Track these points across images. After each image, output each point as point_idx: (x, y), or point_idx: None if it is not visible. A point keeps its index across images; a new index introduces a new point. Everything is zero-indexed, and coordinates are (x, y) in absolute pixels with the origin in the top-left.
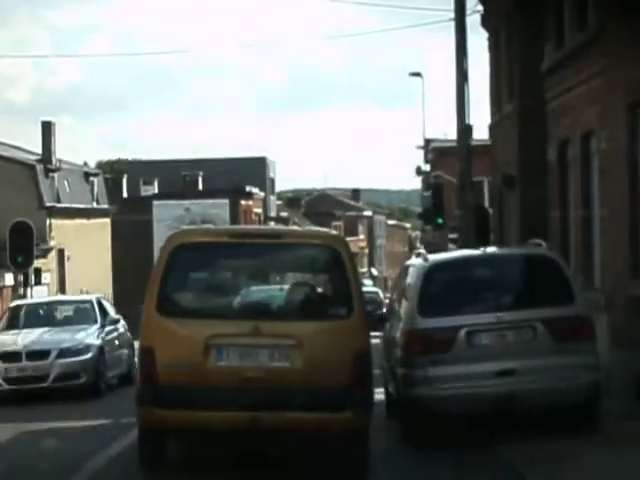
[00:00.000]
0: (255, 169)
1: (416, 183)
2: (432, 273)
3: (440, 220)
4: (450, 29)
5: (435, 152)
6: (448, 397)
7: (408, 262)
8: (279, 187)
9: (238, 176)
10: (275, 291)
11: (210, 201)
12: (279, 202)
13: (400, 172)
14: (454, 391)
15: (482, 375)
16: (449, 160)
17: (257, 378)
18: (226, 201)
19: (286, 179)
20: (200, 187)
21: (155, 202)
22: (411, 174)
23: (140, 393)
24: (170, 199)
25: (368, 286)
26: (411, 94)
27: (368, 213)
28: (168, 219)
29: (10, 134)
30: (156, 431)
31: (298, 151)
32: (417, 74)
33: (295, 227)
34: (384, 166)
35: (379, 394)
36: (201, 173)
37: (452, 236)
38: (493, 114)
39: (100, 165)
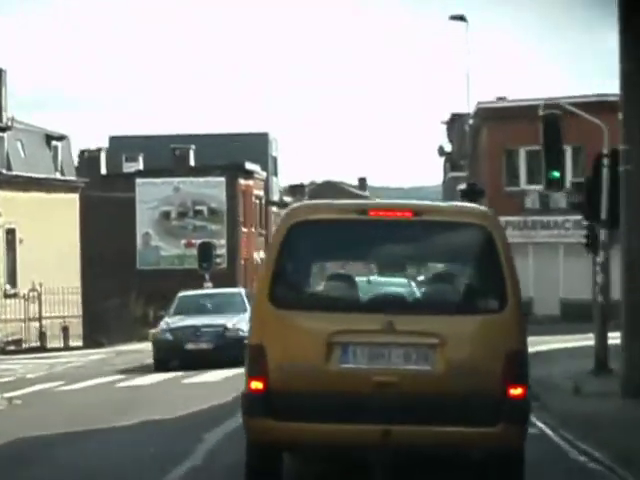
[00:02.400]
0: (256, 146)
1: (435, 178)
2: None
3: (558, 172)
4: None
5: (481, 117)
6: None
7: None
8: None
9: (236, 153)
10: (412, 279)
11: (203, 179)
12: (282, 186)
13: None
14: None
15: None
16: (506, 125)
17: (389, 384)
18: (222, 179)
19: (289, 168)
20: (192, 163)
21: (138, 180)
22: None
23: (248, 400)
24: (156, 177)
25: None
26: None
27: None
28: (153, 200)
29: None
30: (268, 447)
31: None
32: (460, 17)
33: (437, 202)
34: (399, 158)
35: None
36: (193, 147)
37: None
38: None
39: None
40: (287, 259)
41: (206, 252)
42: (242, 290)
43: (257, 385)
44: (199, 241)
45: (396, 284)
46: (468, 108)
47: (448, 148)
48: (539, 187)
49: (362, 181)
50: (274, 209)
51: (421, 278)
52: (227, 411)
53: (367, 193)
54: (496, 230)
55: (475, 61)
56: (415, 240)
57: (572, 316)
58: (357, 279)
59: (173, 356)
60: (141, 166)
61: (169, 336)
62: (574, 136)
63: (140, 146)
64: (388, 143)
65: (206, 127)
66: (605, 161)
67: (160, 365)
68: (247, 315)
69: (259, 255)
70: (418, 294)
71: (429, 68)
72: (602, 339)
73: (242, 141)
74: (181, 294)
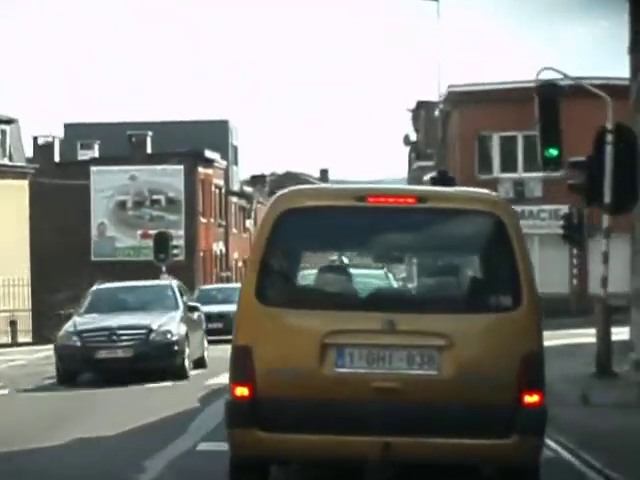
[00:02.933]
0: (216, 134)
1: (399, 169)
2: None
3: (556, 150)
4: None
5: (452, 101)
6: None
7: None
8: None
9: (195, 141)
10: (415, 273)
11: (160, 167)
12: (243, 178)
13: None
14: None
15: None
16: (479, 110)
17: (391, 390)
18: (180, 168)
19: (250, 158)
20: (149, 151)
21: (93, 168)
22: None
23: (232, 409)
24: (112, 164)
25: None
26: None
27: None
28: (109, 189)
29: None
30: (253, 461)
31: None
32: None
33: (443, 187)
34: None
35: None
36: (150, 133)
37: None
38: None
39: None
40: (276, 251)
41: (163, 243)
42: (174, 282)
43: (242, 392)
44: (156, 231)
45: (398, 279)
46: (438, 94)
47: (414, 137)
48: (513, 175)
49: (324, 173)
50: (234, 199)
51: (426, 272)
52: (178, 427)
53: (329, 184)
54: (508, 218)
55: (447, 46)
56: (419, 229)
57: (548, 311)
58: (355, 273)
59: (82, 367)
60: (97, 154)
61: (76, 341)
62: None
63: (96, 133)
64: (352, 133)
65: (166, 115)
66: (609, 137)
67: (65, 378)
68: (179, 314)
69: (218, 246)
70: (423, 290)
71: (398, 54)
72: (605, 338)
73: (201, 129)
74: (95, 287)
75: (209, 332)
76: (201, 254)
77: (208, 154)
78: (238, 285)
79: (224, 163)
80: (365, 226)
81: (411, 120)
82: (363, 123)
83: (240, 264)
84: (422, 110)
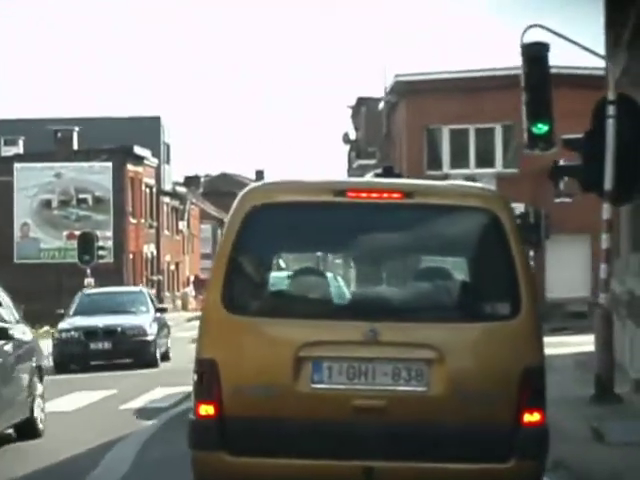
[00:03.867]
0: (147, 131)
1: (338, 169)
2: None
3: (546, 125)
4: None
5: (399, 92)
6: None
7: None
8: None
9: (125, 138)
10: (401, 277)
11: (87, 164)
12: (176, 179)
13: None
14: None
15: None
16: (428, 101)
17: (374, 409)
18: (108, 165)
19: (184, 159)
20: (75, 147)
21: (17, 165)
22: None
23: (197, 430)
24: (37, 161)
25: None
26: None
27: None
28: (33, 186)
29: None
30: None
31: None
32: None
33: (432, 181)
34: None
35: None
36: (77, 129)
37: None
38: None
39: None
40: (245, 253)
41: (87, 244)
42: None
43: (207, 410)
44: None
45: (381, 284)
46: (384, 86)
47: (354, 135)
48: (465, 171)
49: (259, 174)
50: (166, 199)
51: (413, 276)
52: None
53: None
54: (506, 216)
55: (396, 39)
56: (405, 228)
57: None
58: (332, 277)
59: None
60: (21, 150)
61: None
62: (505, 112)
63: (20, 129)
64: (289, 133)
65: (96, 112)
66: (610, 109)
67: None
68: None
69: (149, 249)
70: (409, 296)
71: (341, 50)
72: (607, 353)
73: (132, 125)
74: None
75: (92, 355)
76: (130, 256)
77: (138, 151)
78: (132, 289)
79: (155, 161)
80: (344, 224)
81: (351, 118)
82: (301, 122)
83: (172, 267)
84: (363, 107)
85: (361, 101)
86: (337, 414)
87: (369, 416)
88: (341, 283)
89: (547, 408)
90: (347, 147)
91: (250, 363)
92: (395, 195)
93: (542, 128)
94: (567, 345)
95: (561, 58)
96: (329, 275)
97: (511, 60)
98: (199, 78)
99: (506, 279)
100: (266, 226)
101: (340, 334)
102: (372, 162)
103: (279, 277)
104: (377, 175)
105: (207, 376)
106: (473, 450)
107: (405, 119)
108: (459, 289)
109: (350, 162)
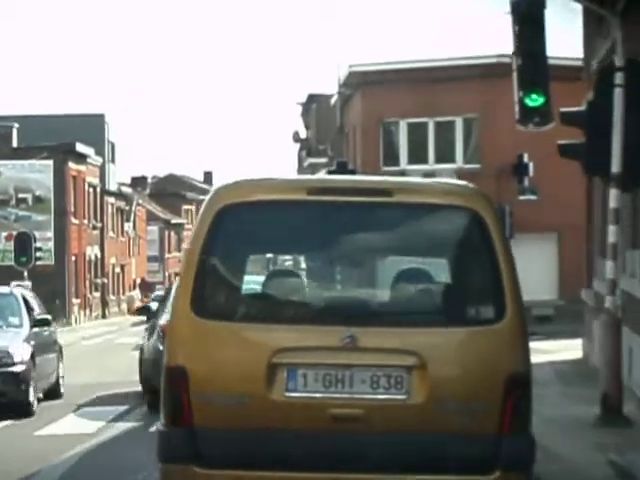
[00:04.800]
0: (90, 129)
1: (289, 169)
2: None
3: (542, 96)
4: None
5: (353, 84)
6: None
7: None
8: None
9: (68, 136)
10: (380, 280)
11: (27, 162)
12: (122, 179)
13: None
14: None
15: None
16: (384, 93)
17: (351, 418)
18: (49, 163)
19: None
20: (15, 145)
21: None
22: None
23: (165, 441)
24: None
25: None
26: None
27: None
28: None
29: None
30: None
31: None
32: None
33: (414, 178)
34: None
35: None
36: (16, 125)
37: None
38: None
39: None
40: (214, 255)
41: (24, 245)
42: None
43: (176, 420)
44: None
45: (359, 287)
46: (337, 79)
47: (304, 134)
48: (423, 167)
49: (208, 175)
50: (111, 200)
51: (392, 279)
52: None
53: (212, 187)
54: (489, 214)
55: (346, 28)
56: (385, 228)
57: None
58: (308, 280)
59: None
60: None
61: None
62: (466, 105)
63: None
64: (237, 133)
65: (36, 109)
66: (618, 77)
67: None
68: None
69: (93, 250)
70: (388, 300)
71: (291, 46)
72: (614, 368)
73: (74, 123)
74: None
75: None
76: (72, 258)
77: (80, 149)
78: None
79: (99, 160)
80: (320, 225)
81: (301, 116)
82: (250, 121)
83: (118, 270)
84: (314, 103)
85: (312, 98)
86: (313, 424)
87: (346, 426)
88: (317, 286)
89: (548, 433)
90: (297, 146)
91: (221, 371)
92: (374, 193)
93: (537, 99)
94: (541, 352)
95: None
96: (304, 278)
97: (473, 49)
98: (146, 77)
99: (490, 281)
100: (237, 226)
101: (316, 339)
102: (323, 160)
103: (252, 280)
104: (330, 172)
105: (176, 385)
106: (456, 461)
107: (360, 112)
108: (441, 292)
109: (300, 161)
